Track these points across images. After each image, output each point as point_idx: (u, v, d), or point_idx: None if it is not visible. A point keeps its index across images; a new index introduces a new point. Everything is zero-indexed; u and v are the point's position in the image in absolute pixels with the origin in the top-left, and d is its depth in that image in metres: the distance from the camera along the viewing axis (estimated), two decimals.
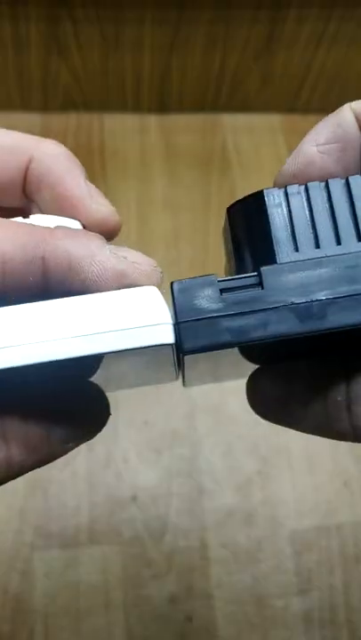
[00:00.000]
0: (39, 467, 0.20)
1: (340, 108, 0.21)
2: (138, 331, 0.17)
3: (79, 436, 0.21)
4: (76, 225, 0.22)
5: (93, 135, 0.72)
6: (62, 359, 0.17)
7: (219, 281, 0.18)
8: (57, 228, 0.20)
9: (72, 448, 0.20)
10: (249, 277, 0.18)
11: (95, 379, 0.21)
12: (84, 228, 0.22)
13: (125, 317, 0.17)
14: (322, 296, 0.18)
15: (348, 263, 0.18)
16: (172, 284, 0.18)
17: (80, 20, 0.63)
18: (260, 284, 0.18)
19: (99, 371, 0.21)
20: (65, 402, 0.20)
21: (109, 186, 0.70)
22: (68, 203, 0.22)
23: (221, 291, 0.18)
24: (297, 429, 0.21)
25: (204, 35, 0.66)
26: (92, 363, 0.19)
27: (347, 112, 0.21)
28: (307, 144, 0.21)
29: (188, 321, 0.18)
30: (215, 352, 0.18)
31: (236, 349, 0.19)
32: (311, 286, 0.18)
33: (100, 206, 0.22)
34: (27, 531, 0.53)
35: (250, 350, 0.21)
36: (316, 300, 0.18)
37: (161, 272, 0.20)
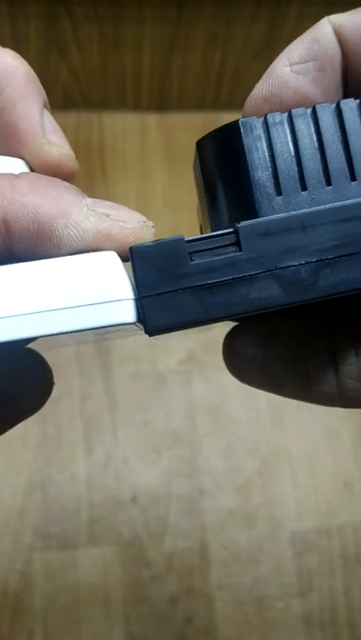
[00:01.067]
0: None
1: (318, 23, 0.18)
2: (92, 309, 0.14)
3: (18, 417, 0.18)
4: (18, 166, 0.18)
5: (93, 134, 0.72)
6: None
7: (187, 242, 0.15)
8: (19, 176, 0.16)
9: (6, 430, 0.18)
10: (223, 236, 0.15)
11: (32, 345, 0.18)
12: (30, 170, 0.18)
13: (77, 292, 0.14)
14: (311, 258, 0.15)
15: (342, 215, 0.15)
16: (130, 249, 0.15)
17: (79, 19, 0.63)
18: (237, 243, 0.15)
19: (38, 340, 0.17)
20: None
21: (109, 184, 0.69)
22: (13, 137, 0.18)
23: (191, 255, 0.15)
24: (278, 393, 0.19)
25: (205, 33, 0.65)
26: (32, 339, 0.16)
27: (325, 26, 0.18)
28: (279, 63, 0.18)
29: (151, 295, 0.15)
30: None
31: None
32: (298, 246, 0.15)
33: (53, 147, 0.18)
34: (26, 532, 0.53)
35: None
36: (305, 263, 0.15)
37: (153, 227, 0.17)
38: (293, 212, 0.15)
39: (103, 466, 0.56)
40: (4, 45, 0.18)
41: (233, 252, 0.15)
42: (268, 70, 0.18)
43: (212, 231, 0.17)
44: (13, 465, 0.55)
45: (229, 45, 0.67)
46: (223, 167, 0.17)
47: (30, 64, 0.18)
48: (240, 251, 0.15)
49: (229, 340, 0.20)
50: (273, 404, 0.58)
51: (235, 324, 0.20)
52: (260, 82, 0.18)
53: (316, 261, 0.15)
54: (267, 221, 0.15)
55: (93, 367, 0.58)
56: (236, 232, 0.15)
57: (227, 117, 0.76)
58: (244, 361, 0.19)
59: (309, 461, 0.58)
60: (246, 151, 0.16)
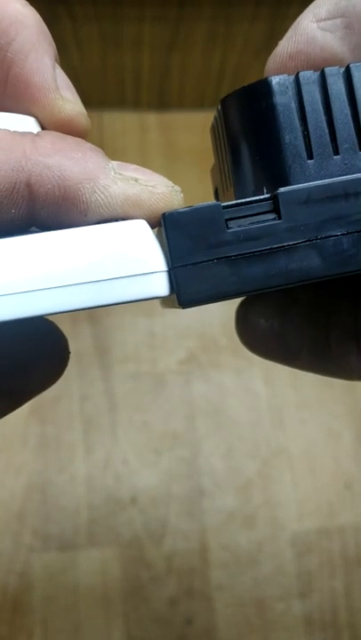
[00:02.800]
0: None
1: None
2: (123, 282, 0.14)
3: (35, 388, 0.17)
4: (29, 124, 0.16)
5: (93, 133, 0.71)
6: (16, 319, 0.13)
7: (223, 207, 0.14)
8: (40, 135, 0.14)
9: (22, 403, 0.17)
10: (262, 203, 0.14)
11: None
12: (42, 129, 0.17)
13: (107, 264, 0.13)
14: (354, 228, 0.14)
15: None
16: (163, 215, 0.14)
17: (79, 18, 0.63)
18: (275, 210, 0.14)
19: None
20: (14, 347, 0.16)
21: None
22: (24, 91, 0.16)
23: (227, 222, 0.14)
24: (293, 366, 0.18)
25: (205, 32, 0.65)
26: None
27: None
28: (305, 19, 0.17)
29: (186, 265, 0.14)
30: None
31: None
32: (341, 215, 0.14)
33: (67, 103, 0.16)
34: (25, 532, 0.53)
35: None
36: (348, 233, 0.14)
37: (181, 192, 0.16)
38: (336, 179, 0.14)
39: (103, 466, 0.56)
40: None
41: (272, 219, 0.14)
42: (294, 26, 0.17)
43: (236, 194, 0.16)
44: (13, 465, 0.55)
45: (229, 44, 0.67)
46: (251, 128, 0.16)
47: None
48: (279, 218, 0.14)
49: (243, 310, 0.19)
50: (273, 404, 0.58)
51: None
52: (285, 38, 0.17)
53: (359, 232, 0.14)
54: (308, 187, 0.14)
55: (93, 367, 0.58)
56: (274, 198, 0.14)
57: None
58: (258, 331, 0.19)
59: (310, 462, 0.57)
60: (277, 111, 0.15)
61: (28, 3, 0.16)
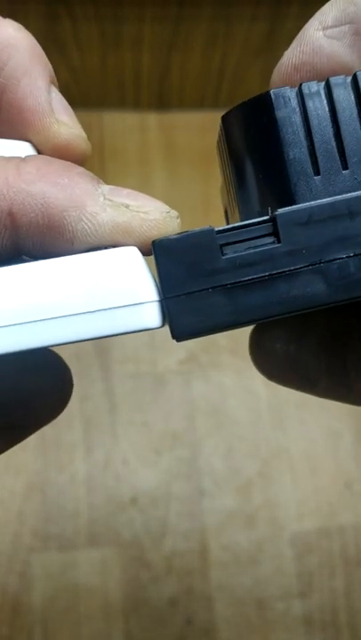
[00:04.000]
0: None
1: None
2: (112, 313, 0.13)
3: (37, 422, 0.16)
4: (24, 150, 0.16)
5: (92, 133, 0.72)
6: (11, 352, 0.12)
7: (217, 232, 0.13)
8: (26, 160, 0.14)
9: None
10: (259, 225, 0.13)
11: None
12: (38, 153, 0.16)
13: (94, 295, 0.13)
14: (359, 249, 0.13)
15: None
16: (153, 244, 0.13)
17: (79, 19, 0.63)
18: (274, 233, 0.13)
19: None
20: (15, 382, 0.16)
21: (109, 183, 0.69)
22: (18, 117, 0.16)
23: (222, 247, 0.13)
24: (309, 392, 0.18)
25: (205, 32, 0.65)
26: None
27: None
28: (311, 28, 0.16)
29: (178, 295, 0.13)
30: None
31: None
32: (345, 236, 0.13)
33: (63, 126, 0.16)
34: (25, 533, 0.53)
35: None
36: (354, 256, 0.13)
37: (177, 217, 0.15)
38: (339, 197, 0.13)
39: (103, 467, 0.56)
40: None
41: (270, 243, 0.13)
42: (299, 36, 0.16)
43: (241, 215, 0.16)
44: (12, 466, 0.55)
45: (229, 44, 0.67)
46: (253, 144, 0.15)
47: None
48: (278, 242, 0.13)
49: (257, 335, 0.18)
50: (273, 404, 0.58)
51: None
52: (290, 48, 0.17)
53: None
54: (309, 207, 0.13)
55: (93, 368, 0.58)
56: (273, 220, 0.13)
57: None
58: (272, 356, 0.18)
59: (310, 462, 0.57)
60: (279, 126, 0.14)
61: (21, 26, 0.16)
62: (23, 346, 0.12)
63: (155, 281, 0.13)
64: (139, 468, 0.56)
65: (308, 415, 0.58)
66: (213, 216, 0.69)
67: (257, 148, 0.15)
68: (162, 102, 0.73)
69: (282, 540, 0.55)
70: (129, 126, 0.73)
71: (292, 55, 0.16)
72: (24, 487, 0.54)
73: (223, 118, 0.16)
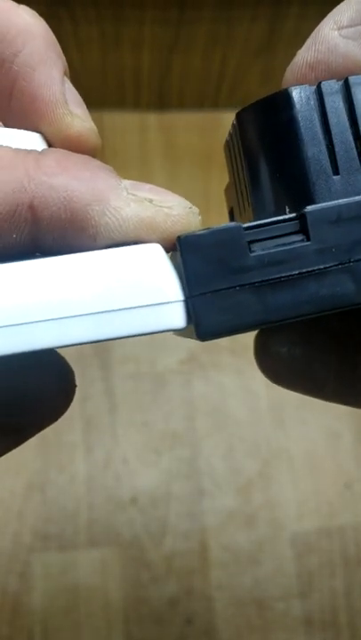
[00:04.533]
0: None
1: None
2: (133, 312, 0.12)
3: (39, 423, 0.16)
4: (34, 141, 0.15)
5: None
6: (14, 354, 0.12)
7: (245, 229, 0.13)
8: (44, 153, 0.13)
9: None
10: (288, 223, 0.13)
11: None
12: (48, 146, 0.16)
13: (116, 293, 0.12)
14: None
15: None
16: (178, 240, 0.13)
17: (81, 21, 0.63)
18: (303, 231, 0.13)
19: None
20: (18, 381, 0.15)
21: None
22: (30, 106, 0.15)
23: (250, 244, 0.13)
24: (315, 396, 0.18)
25: (205, 34, 0.65)
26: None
27: None
28: (326, 27, 0.16)
29: (204, 293, 0.13)
30: None
31: None
32: None
33: (76, 119, 0.15)
34: (25, 533, 0.53)
35: None
36: None
37: (199, 214, 0.14)
38: (357, 190, 0.13)
39: (103, 466, 0.56)
40: None
41: (300, 241, 0.13)
42: (313, 35, 0.16)
43: (254, 214, 0.16)
44: (12, 466, 0.55)
45: (230, 44, 0.67)
46: (270, 142, 0.15)
47: None
48: (308, 240, 0.13)
49: (263, 338, 0.18)
50: (274, 404, 0.58)
51: None
52: (304, 48, 0.16)
53: None
54: (337, 205, 0.13)
55: (93, 367, 0.58)
56: (302, 217, 0.13)
57: (227, 117, 0.75)
58: (279, 360, 0.17)
59: (310, 462, 0.57)
60: (299, 124, 0.14)
61: (36, 13, 0.16)
62: (42, 344, 0.12)
63: (179, 279, 0.13)
64: (139, 468, 0.56)
65: (308, 415, 0.58)
66: (214, 216, 0.69)
67: (274, 146, 0.15)
68: (162, 102, 0.74)
69: (282, 540, 0.55)
70: (129, 126, 0.73)
71: (306, 54, 0.16)
72: (24, 487, 0.54)
73: (238, 115, 0.16)
